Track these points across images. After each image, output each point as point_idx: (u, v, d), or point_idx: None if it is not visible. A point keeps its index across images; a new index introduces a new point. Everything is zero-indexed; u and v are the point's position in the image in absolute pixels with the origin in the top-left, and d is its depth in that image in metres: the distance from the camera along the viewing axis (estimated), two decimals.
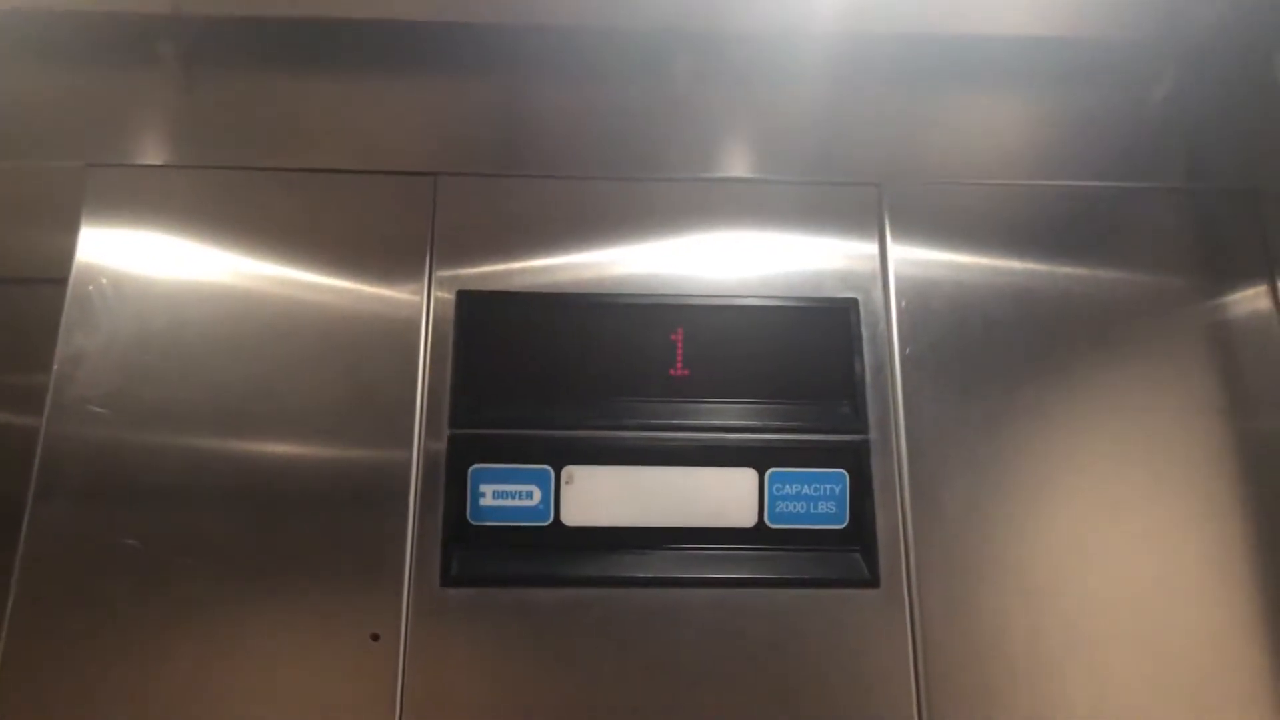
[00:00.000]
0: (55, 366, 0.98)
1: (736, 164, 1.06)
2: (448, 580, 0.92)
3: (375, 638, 0.91)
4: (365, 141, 1.05)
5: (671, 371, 0.98)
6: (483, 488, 0.95)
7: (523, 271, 1.01)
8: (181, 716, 0.89)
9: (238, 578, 0.92)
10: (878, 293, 1.01)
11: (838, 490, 0.95)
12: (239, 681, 0.90)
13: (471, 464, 0.95)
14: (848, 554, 0.94)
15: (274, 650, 0.91)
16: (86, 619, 0.91)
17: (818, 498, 0.95)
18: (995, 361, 0.99)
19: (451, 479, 0.95)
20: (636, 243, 1.03)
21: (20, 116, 1.05)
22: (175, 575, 0.92)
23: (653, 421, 0.96)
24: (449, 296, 1.00)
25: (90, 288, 1.00)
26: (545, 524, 0.94)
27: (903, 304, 1.01)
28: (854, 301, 1.00)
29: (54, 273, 1.02)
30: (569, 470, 0.95)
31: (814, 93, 1.06)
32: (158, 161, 1.04)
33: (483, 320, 0.99)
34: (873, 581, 0.93)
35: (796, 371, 0.98)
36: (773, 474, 0.95)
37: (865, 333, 0.99)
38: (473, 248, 1.02)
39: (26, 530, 0.93)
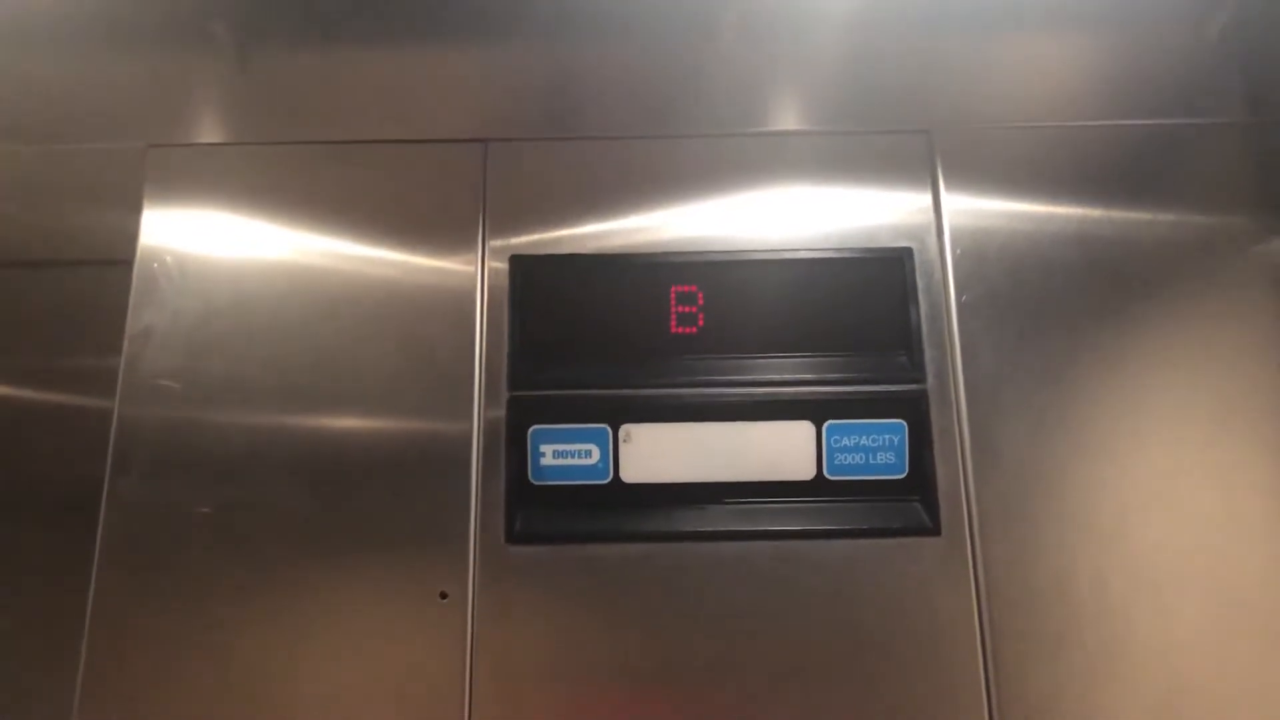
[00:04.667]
0: (125, 345, 1.01)
1: (786, 117, 1.05)
2: (512, 538, 0.94)
3: (444, 596, 0.93)
4: (416, 111, 1.06)
5: (727, 327, 0.98)
6: (543, 448, 0.96)
7: (575, 235, 1.02)
8: (259, 676, 0.92)
9: (309, 544, 0.95)
10: (932, 241, 1.00)
11: (896, 440, 0.95)
12: (313, 642, 0.93)
13: (531, 425, 0.97)
14: (908, 503, 0.94)
15: (347, 612, 0.94)
16: (166, 587, 0.94)
17: (876, 448, 0.94)
18: (1053, 307, 0.98)
19: (512, 440, 0.96)
20: (688, 201, 1.03)
21: (80, 100, 1.07)
22: (249, 543, 0.95)
23: (709, 378, 0.97)
24: (502, 263, 1.01)
25: (155, 267, 1.02)
26: (605, 482, 0.95)
27: (958, 251, 1.00)
28: (908, 251, 0.99)
29: (119, 254, 1.05)
30: (627, 428, 0.96)
31: (861, 40, 1.05)
32: (215, 140, 1.06)
33: (537, 284, 1.00)
34: (934, 530, 0.93)
35: (852, 323, 0.98)
36: (830, 426, 0.95)
37: (920, 282, 0.99)
38: (525, 212, 1.02)
39: (106, 504, 0.97)
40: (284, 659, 0.93)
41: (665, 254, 1.00)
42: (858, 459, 0.94)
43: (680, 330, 0.98)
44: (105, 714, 0.92)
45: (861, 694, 0.90)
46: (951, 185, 1.02)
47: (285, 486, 0.97)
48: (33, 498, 1.11)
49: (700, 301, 0.98)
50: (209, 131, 1.07)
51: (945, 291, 0.99)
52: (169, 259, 1.03)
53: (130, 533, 0.96)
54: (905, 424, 0.95)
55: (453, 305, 1.00)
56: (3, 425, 1.13)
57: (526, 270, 1.00)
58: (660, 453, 0.95)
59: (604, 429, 0.96)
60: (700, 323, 0.98)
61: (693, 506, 0.95)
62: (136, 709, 0.92)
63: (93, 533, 0.97)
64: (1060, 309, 0.98)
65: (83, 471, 1.02)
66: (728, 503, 0.95)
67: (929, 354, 0.97)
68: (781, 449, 0.95)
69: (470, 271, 1.01)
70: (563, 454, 0.96)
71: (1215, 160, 1.02)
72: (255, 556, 0.95)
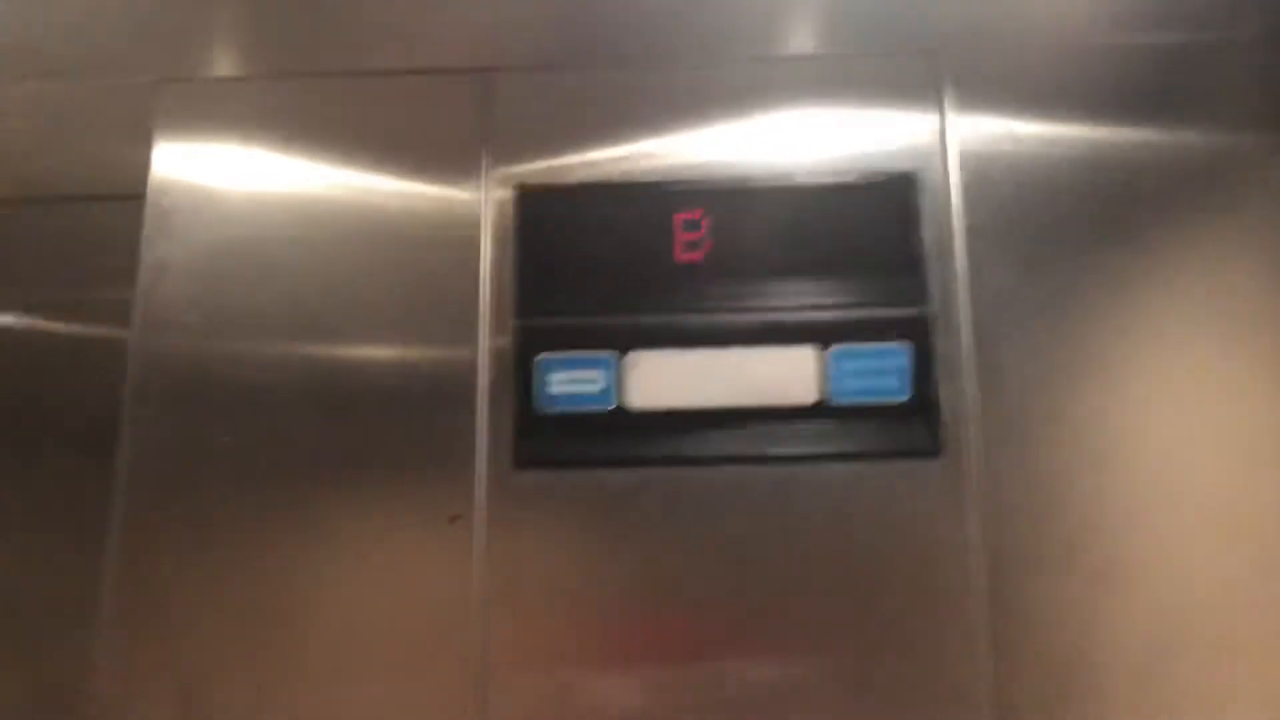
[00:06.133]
0: (139, 280, 1.02)
1: (792, 41, 1.04)
2: (519, 464, 0.96)
3: (453, 520, 0.95)
4: (424, 41, 1.06)
5: (732, 253, 0.98)
6: (549, 376, 0.97)
7: (580, 163, 1.02)
8: (277, 598, 0.95)
9: (323, 471, 0.97)
10: (938, 165, 0.99)
11: (899, 365, 0.95)
12: (328, 567, 0.95)
13: (536, 354, 0.97)
14: (910, 427, 0.94)
15: (360, 538, 0.96)
16: (186, 514, 0.97)
17: (879, 373, 0.94)
18: (1061, 230, 0.97)
19: (518, 369, 0.97)
20: (693, 128, 1.02)
21: (91, 35, 1.08)
22: (265, 472, 0.97)
23: (713, 304, 0.97)
24: (508, 192, 1.01)
25: (166, 201, 1.04)
26: (610, 408, 0.96)
27: (963, 175, 0.99)
28: (913, 175, 0.98)
29: (132, 188, 1.06)
30: (632, 355, 0.96)
31: None
32: (226, 74, 1.07)
33: (541, 214, 1.00)
34: (935, 452, 0.93)
35: (857, 248, 0.97)
36: (834, 351, 0.95)
37: (925, 206, 0.98)
38: (530, 142, 1.02)
39: (124, 435, 0.99)
40: (300, 582, 0.95)
41: (670, 182, 1.00)
42: (860, 383, 0.94)
43: (685, 257, 0.98)
44: (130, 646, 0.95)
45: (861, 613, 0.91)
46: (958, 107, 1.00)
47: (299, 415, 0.99)
48: (51, 431, 1.12)
49: (704, 229, 0.98)
50: (219, 66, 1.07)
51: (951, 215, 0.98)
52: (180, 193, 1.04)
53: (150, 463, 0.98)
54: (909, 348, 0.95)
55: (459, 235, 1.01)
56: (19, 358, 1.15)
57: (531, 200, 1.01)
58: (665, 379, 0.96)
59: (609, 356, 0.97)
60: (705, 250, 0.98)
61: (696, 432, 0.95)
62: (160, 637, 0.95)
63: (111, 465, 0.99)
64: (1068, 231, 0.97)
65: (101, 404, 1.04)
66: (731, 428, 0.95)
67: (934, 278, 0.96)
68: (784, 374, 0.95)
69: (475, 201, 1.01)
70: (568, 381, 0.97)
71: (1228, 78, 1.00)
72: (271, 486, 0.97)
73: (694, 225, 0.98)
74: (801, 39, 1.04)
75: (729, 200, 0.99)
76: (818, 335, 0.96)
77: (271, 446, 0.98)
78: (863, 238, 0.98)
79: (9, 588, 1.08)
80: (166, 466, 0.98)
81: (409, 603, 0.95)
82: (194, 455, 0.98)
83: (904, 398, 0.94)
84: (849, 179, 0.99)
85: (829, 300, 0.96)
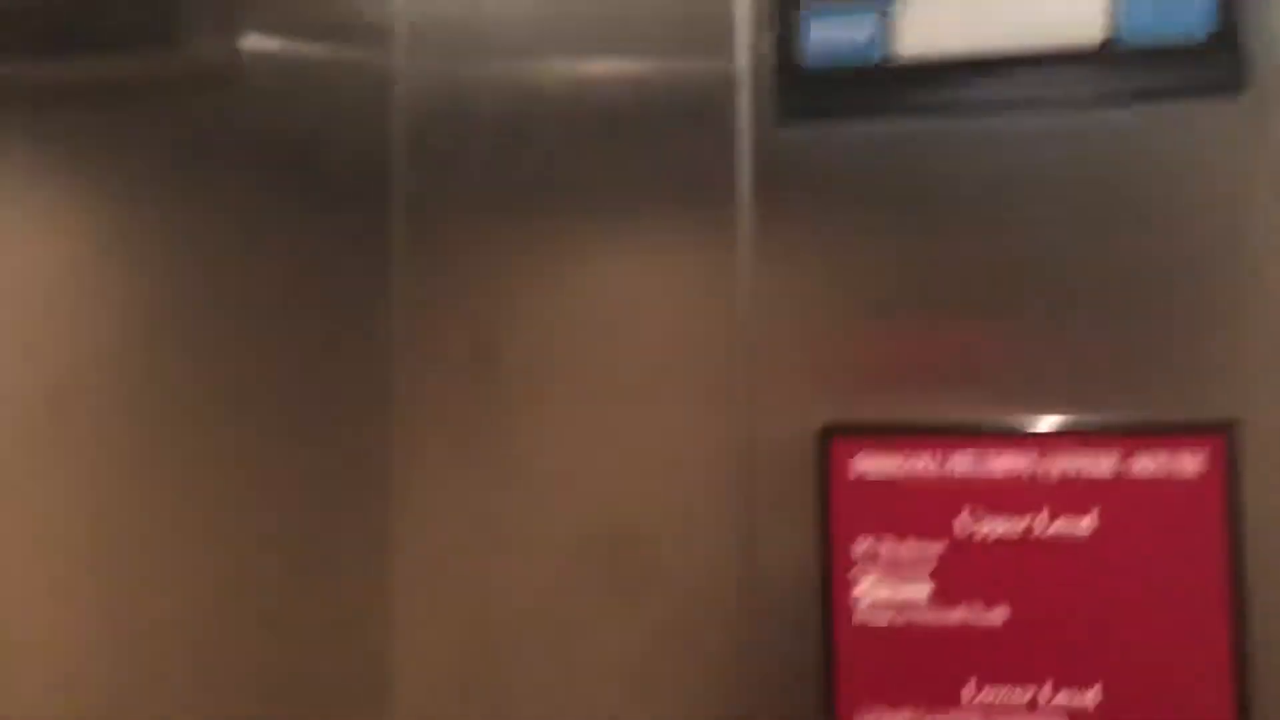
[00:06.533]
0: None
1: None
2: (782, 121, 0.94)
3: (713, 191, 0.94)
4: None
5: None
6: (812, 24, 0.93)
7: None
8: (553, 314, 1.00)
9: (598, 146, 1.00)
10: None
11: None
12: (596, 258, 1.01)
13: (799, 5, 0.93)
14: (1210, 63, 0.87)
15: (629, 215, 1.00)
16: (467, 248, 1.02)
17: (1175, 3, 0.87)
18: None
19: (781, 20, 0.94)
20: None
21: None
22: (535, 200, 1.01)
23: None
24: None
25: None
26: (878, 58, 0.92)
27: None
28: None
29: None
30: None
31: None
32: None
33: None
34: (1239, 89, 0.87)
35: None
36: None
37: None
38: None
39: (400, 169, 1.03)
40: (573, 287, 1.00)
41: None
42: (1154, 16, 0.87)
43: None
44: (423, 373, 1.01)
45: (1155, 266, 0.88)
46: None
47: (560, 121, 1.01)
48: (316, 164, 1.09)
49: None
50: None
51: None
52: None
53: (429, 199, 1.02)
54: None
55: None
56: (279, 84, 1.11)
57: None
58: (937, 22, 0.90)
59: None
60: None
61: (971, 78, 0.91)
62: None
63: (379, 193, 1.03)
64: None
65: (363, 130, 1.05)
66: (1009, 73, 0.90)
67: None
68: (1069, 11, 0.88)
69: None
70: (834, 30, 0.92)
71: None
72: (542, 214, 1.01)
73: None
74: None
75: None
76: None
77: (537, 173, 1.01)
78: None
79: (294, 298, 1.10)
80: (441, 199, 1.02)
81: (674, 275, 0.98)
82: (469, 186, 1.02)
83: (1203, 31, 0.87)
84: None
85: None
